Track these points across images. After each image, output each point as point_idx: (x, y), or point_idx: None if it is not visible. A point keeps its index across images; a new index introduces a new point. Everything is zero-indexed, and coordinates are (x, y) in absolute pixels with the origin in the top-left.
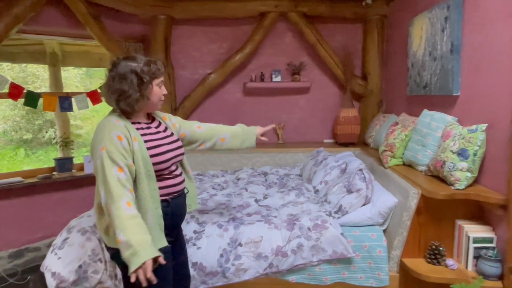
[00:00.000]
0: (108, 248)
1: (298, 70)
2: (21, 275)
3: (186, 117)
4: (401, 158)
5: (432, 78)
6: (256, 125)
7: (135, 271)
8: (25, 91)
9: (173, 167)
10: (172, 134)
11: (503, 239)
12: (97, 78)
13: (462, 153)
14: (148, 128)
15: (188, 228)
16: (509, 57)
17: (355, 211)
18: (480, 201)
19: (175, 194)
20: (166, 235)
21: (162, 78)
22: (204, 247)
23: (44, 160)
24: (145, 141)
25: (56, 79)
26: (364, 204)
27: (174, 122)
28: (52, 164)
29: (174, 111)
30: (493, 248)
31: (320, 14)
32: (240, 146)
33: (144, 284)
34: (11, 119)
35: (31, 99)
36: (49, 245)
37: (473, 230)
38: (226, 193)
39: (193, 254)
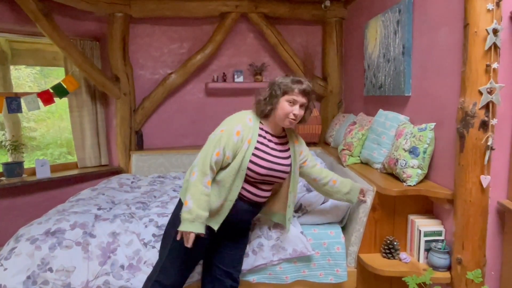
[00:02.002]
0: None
1: (260, 71)
2: None
3: (147, 118)
4: (359, 156)
5: (386, 79)
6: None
7: (182, 232)
8: None
9: (262, 182)
10: (288, 157)
11: (450, 232)
12: (52, 77)
13: (413, 151)
14: (270, 141)
15: (146, 231)
16: (453, 60)
17: (314, 210)
18: (429, 196)
19: (245, 199)
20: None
21: (295, 97)
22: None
23: None
24: (256, 148)
25: (4, 78)
26: (323, 203)
27: (302, 149)
28: (1, 169)
29: (134, 112)
30: (442, 241)
31: (281, 16)
32: (343, 195)
33: (186, 244)
34: None
35: None
36: None
37: (424, 224)
38: None
39: (153, 257)
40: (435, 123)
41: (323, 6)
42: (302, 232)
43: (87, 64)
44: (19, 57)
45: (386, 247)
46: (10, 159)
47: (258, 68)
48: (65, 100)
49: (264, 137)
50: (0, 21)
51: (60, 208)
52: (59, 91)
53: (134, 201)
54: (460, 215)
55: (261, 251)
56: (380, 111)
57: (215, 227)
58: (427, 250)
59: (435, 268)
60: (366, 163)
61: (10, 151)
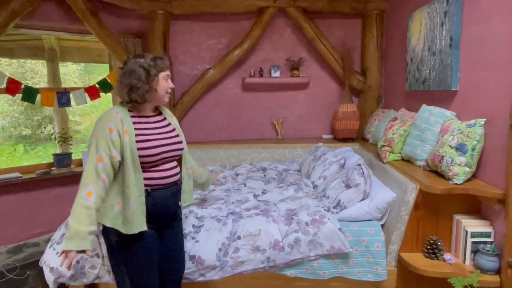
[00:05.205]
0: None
1: (297, 66)
2: (20, 270)
3: (185, 112)
4: (400, 153)
5: (431, 73)
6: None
7: (63, 252)
8: (22, 86)
9: (162, 161)
10: (173, 130)
11: (500, 234)
12: (95, 73)
13: (460, 148)
14: (147, 123)
15: (186, 222)
16: (507, 52)
17: (353, 206)
18: (478, 195)
19: (158, 187)
20: (148, 222)
21: (168, 72)
22: (203, 241)
23: (43, 156)
24: (137, 134)
25: (54, 74)
26: (362, 199)
27: (177, 124)
28: (51, 159)
29: (173, 106)
30: (491, 243)
31: (319, 10)
32: (197, 185)
33: (63, 266)
34: (10, 115)
35: (29, 94)
36: (47, 241)
37: (471, 225)
38: (225, 188)
39: (192, 247)
40: (485, 119)
41: None
42: (340, 229)
43: None
44: (67, 54)
45: (429, 247)
46: (58, 151)
47: (295, 63)
48: (108, 95)
49: (139, 122)
50: (52, 20)
51: None
52: (104, 86)
53: None
54: None
55: (298, 246)
56: (424, 106)
57: (144, 227)
58: (474, 251)
59: (482, 271)
60: (407, 160)
61: (59, 143)
